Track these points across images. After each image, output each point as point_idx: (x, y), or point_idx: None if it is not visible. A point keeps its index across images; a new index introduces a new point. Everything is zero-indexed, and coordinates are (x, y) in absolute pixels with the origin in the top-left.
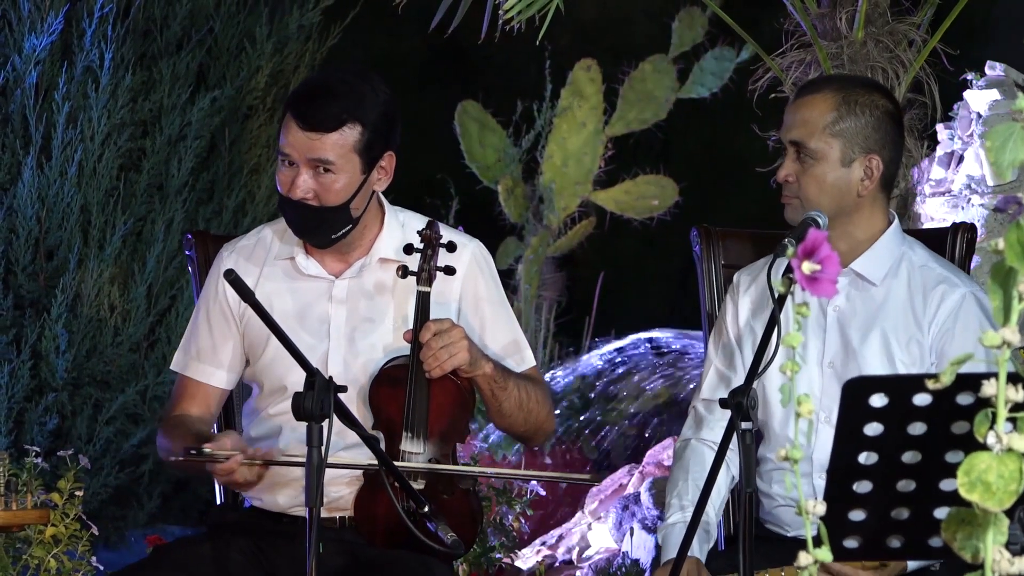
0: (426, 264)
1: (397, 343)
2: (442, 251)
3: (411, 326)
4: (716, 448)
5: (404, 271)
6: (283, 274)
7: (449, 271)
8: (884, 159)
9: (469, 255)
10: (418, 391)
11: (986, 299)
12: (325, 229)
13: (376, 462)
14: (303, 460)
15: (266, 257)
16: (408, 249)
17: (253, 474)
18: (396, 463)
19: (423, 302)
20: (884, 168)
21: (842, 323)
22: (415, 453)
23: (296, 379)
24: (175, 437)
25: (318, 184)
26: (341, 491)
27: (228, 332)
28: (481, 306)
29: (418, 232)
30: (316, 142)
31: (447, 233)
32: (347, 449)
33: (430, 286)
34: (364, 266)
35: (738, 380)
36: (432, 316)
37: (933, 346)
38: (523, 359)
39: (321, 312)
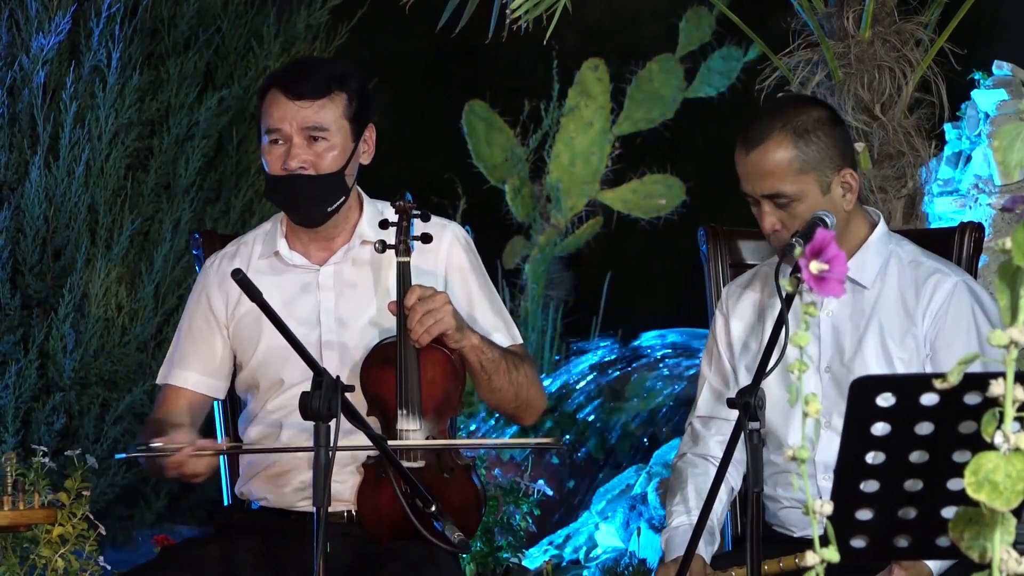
0: (403, 235)
1: (389, 320)
2: (416, 221)
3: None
4: (714, 460)
5: (382, 245)
6: (269, 269)
7: (426, 239)
8: (852, 166)
9: (451, 234)
10: (408, 365)
11: (978, 288)
12: (321, 201)
13: (385, 439)
14: (258, 447)
15: (250, 258)
16: (384, 224)
17: (203, 466)
18: (395, 442)
19: (404, 272)
20: (857, 175)
21: (836, 327)
22: (412, 430)
23: (292, 372)
24: (147, 437)
25: (313, 153)
26: (345, 480)
27: (211, 338)
28: (467, 282)
29: (392, 204)
30: (308, 110)
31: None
32: (345, 435)
33: (409, 256)
34: (348, 251)
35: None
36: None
37: (927, 336)
38: (511, 336)
39: (310, 300)
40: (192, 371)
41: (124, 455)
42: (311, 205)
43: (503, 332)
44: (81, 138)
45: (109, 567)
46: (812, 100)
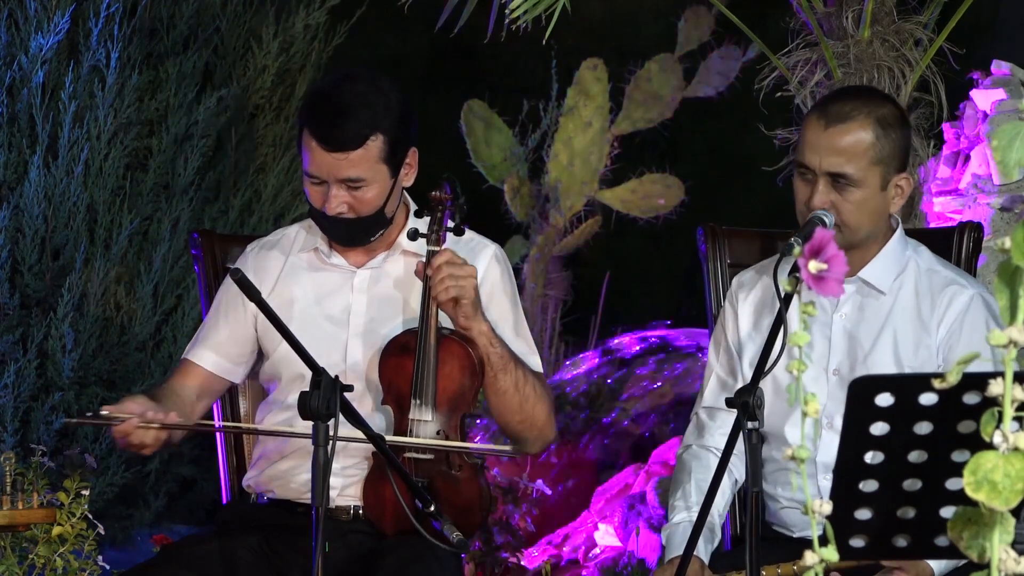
0: (436, 225)
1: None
2: (450, 214)
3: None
4: (718, 453)
5: (415, 233)
6: (307, 264)
7: (458, 231)
8: (910, 173)
9: (491, 254)
10: (427, 356)
11: (994, 301)
12: (362, 235)
13: (384, 438)
14: (209, 425)
15: (291, 248)
16: (418, 213)
17: (150, 438)
18: (405, 438)
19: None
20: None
21: (849, 330)
22: (424, 421)
23: None
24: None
25: (352, 198)
26: (353, 476)
27: (237, 323)
28: (498, 302)
29: (429, 195)
30: (343, 162)
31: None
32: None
33: (439, 246)
34: (387, 257)
35: (740, 386)
36: None
37: (940, 347)
38: (533, 363)
39: (342, 301)
40: (212, 351)
41: (72, 420)
42: (351, 239)
43: (528, 358)
44: (80, 138)
45: (108, 567)
46: (890, 97)
